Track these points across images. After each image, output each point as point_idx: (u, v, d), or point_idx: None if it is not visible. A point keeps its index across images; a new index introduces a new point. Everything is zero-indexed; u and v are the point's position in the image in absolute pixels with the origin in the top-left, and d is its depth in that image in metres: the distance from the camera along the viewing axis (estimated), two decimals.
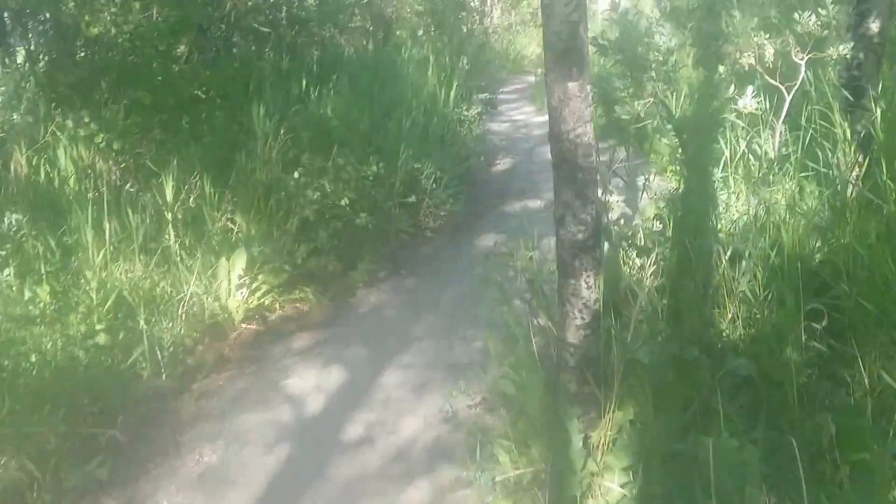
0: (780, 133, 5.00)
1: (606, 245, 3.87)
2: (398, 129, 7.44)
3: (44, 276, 4.51)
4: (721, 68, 5.51)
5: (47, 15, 7.62)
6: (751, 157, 5.11)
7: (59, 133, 6.05)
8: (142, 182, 6.02)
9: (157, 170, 5.83)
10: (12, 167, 5.74)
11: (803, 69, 4.86)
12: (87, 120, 6.07)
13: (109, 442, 3.78)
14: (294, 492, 3.50)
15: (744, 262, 3.94)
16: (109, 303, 4.50)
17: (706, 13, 7.33)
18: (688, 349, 3.37)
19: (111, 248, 4.92)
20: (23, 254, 4.70)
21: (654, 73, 4.38)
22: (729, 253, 3.97)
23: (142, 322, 4.43)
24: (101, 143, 6.03)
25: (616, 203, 4.16)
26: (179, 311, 4.74)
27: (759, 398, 3.31)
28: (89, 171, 5.95)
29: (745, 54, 4.93)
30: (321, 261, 5.67)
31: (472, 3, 18.64)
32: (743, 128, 5.14)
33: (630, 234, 4.06)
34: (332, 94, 7.89)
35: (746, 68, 5.08)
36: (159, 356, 4.39)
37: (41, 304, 4.27)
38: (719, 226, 4.46)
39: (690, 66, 7.12)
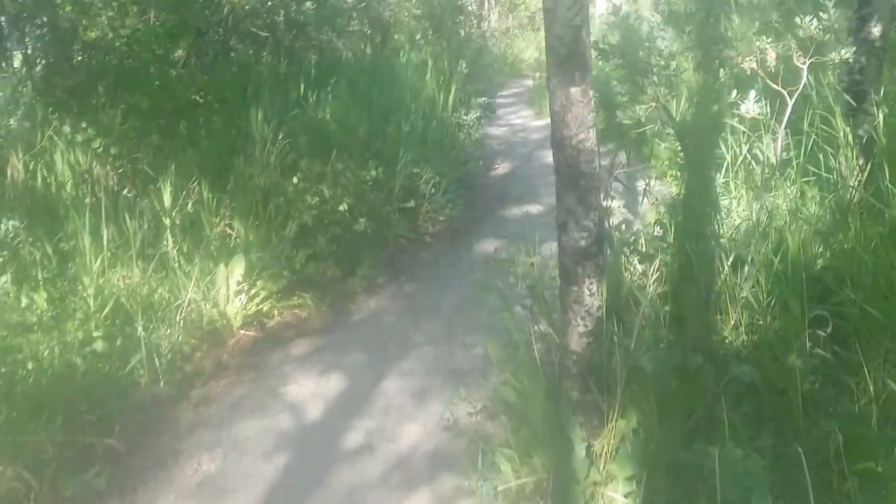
0: (782, 138, 4.97)
1: (608, 251, 3.84)
2: (397, 134, 7.42)
3: (41, 283, 4.47)
4: (722, 73, 5.49)
5: (44, 19, 7.58)
6: (752, 161, 5.08)
7: (56, 138, 6.02)
8: (139, 187, 5.98)
9: (155, 175, 5.80)
10: (9, 173, 5.70)
11: (805, 73, 4.84)
12: (84, 125, 6.04)
13: (107, 450, 3.74)
14: (294, 501, 3.47)
15: (746, 268, 3.92)
16: (107, 309, 4.46)
17: (704, 17, 7.33)
18: (691, 357, 3.34)
19: (109, 254, 4.88)
20: (19, 260, 4.66)
21: (655, 78, 4.36)
22: (731, 259, 3.94)
23: (140, 329, 4.40)
24: (99, 148, 5.99)
25: (617, 208, 4.13)
26: (177, 318, 4.70)
27: (763, 406, 3.28)
28: (86, 177, 5.91)
29: (747, 59, 4.90)
30: (320, 266, 5.64)
31: (469, 7, 18.66)
32: (744, 132, 5.11)
33: (632, 239, 4.03)
34: (330, 99, 7.87)
35: (748, 72, 5.06)
36: (157, 363, 4.35)
37: (38, 311, 4.24)
38: (721, 231, 4.43)
39: (691, 71, 7.10)
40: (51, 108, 6.58)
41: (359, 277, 5.73)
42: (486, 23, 19.90)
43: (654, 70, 4.46)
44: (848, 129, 4.52)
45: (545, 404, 3.29)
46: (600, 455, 3.02)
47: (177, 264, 5.07)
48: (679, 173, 5.89)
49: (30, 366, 3.88)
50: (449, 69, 10.20)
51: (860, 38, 4.64)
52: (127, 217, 5.19)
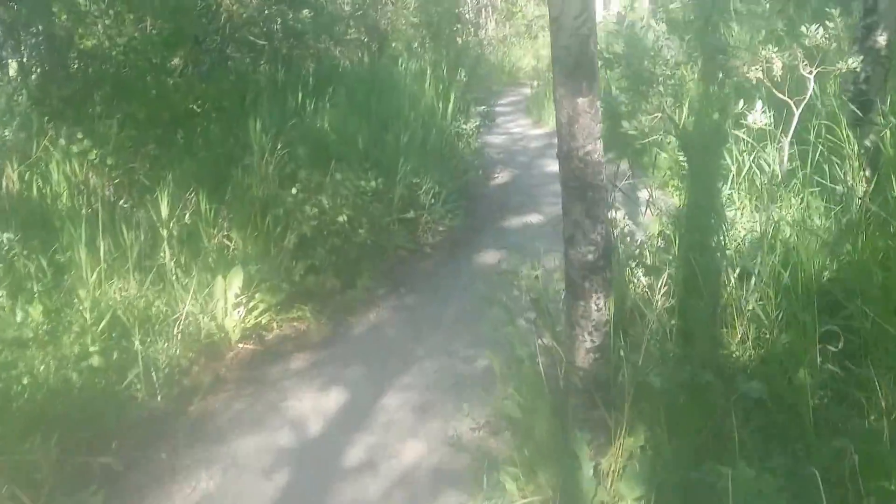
0: (787, 148, 4.93)
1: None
2: (396, 143, 7.37)
3: (36, 296, 4.40)
4: (728, 82, 5.44)
5: (40, 27, 7.53)
6: (757, 172, 5.03)
7: (51, 148, 5.95)
8: (136, 198, 5.92)
9: (152, 185, 5.74)
10: (4, 183, 5.63)
11: (812, 83, 4.79)
12: (80, 135, 5.97)
13: (104, 468, 3.67)
14: None
15: (752, 281, 3.86)
16: (103, 323, 4.39)
17: (703, 25, 7.29)
18: (700, 372, 3.28)
19: (105, 266, 4.81)
20: (14, 273, 4.59)
21: (661, 88, 4.31)
22: (738, 271, 3.89)
23: (136, 342, 4.33)
24: (95, 159, 5.92)
25: (622, 220, 4.08)
26: (175, 331, 4.64)
27: (772, 422, 3.23)
28: (82, 187, 5.84)
29: (753, 68, 4.85)
30: (319, 278, 5.58)
31: (466, 16, 18.64)
32: (749, 143, 5.07)
33: (637, 252, 3.97)
34: (328, 108, 7.82)
35: (754, 82, 5.01)
36: (154, 377, 4.29)
37: (33, 325, 4.16)
38: (726, 243, 4.38)
39: (696, 80, 7.06)
40: (46, 118, 6.51)
41: (358, 289, 5.68)
42: (484, 31, 19.88)
43: (660, 79, 4.41)
44: (853, 140, 4.47)
45: (551, 420, 3.23)
46: (607, 474, 2.96)
47: (174, 276, 5.00)
48: (682, 184, 5.84)
49: (25, 381, 3.81)
50: (448, 78, 10.16)
51: (866, 48, 4.59)
52: (123, 228, 5.13)
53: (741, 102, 4.88)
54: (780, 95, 4.93)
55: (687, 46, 7.13)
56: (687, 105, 6.98)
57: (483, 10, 20.33)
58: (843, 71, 4.59)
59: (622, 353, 3.20)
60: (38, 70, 7.80)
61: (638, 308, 3.81)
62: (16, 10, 7.27)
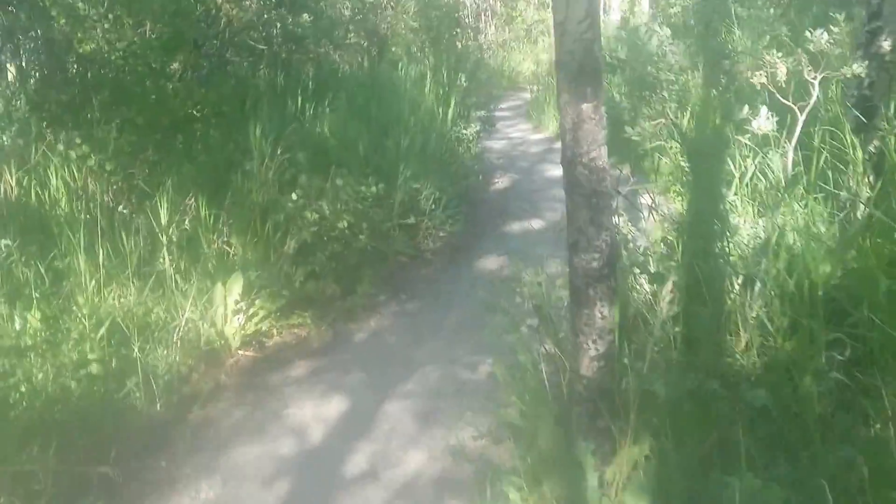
0: (791, 154, 4.89)
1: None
2: (396, 149, 7.34)
3: (34, 302, 4.37)
4: (730, 87, 5.41)
5: (38, 32, 7.50)
6: (761, 178, 5.00)
7: (50, 153, 5.92)
8: (135, 204, 5.88)
9: (151, 191, 5.71)
10: (2, 189, 5.60)
11: (816, 88, 4.76)
12: (78, 141, 5.93)
13: (102, 477, 3.63)
14: None
15: (756, 288, 3.83)
16: (102, 330, 4.34)
17: (704, 30, 7.27)
18: (705, 381, 3.25)
19: (104, 272, 4.79)
20: (12, 280, 4.55)
21: (665, 93, 4.28)
22: (742, 278, 3.85)
23: (136, 350, 4.31)
24: (94, 164, 5.89)
25: (625, 226, 4.04)
26: (174, 338, 4.61)
27: (778, 430, 3.19)
28: (81, 193, 5.80)
29: (757, 73, 4.82)
30: (319, 284, 5.56)
31: (466, 20, 18.63)
32: (753, 148, 5.03)
33: (641, 258, 3.93)
34: (328, 113, 7.79)
35: (758, 87, 4.98)
36: (154, 385, 4.25)
37: (31, 332, 4.13)
38: (730, 249, 4.34)
39: (700, 85, 7.03)
40: (45, 123, 6.48)
41: (359, 295, 5.65)
42: (483, 35, 19.89)
43: (664, 85, 4.37)
44: (857, 145, 4.44)
45: (554, 429, 3.19)
46: (612, 483, 2.92)
47: (173, 283, 4.97)
48: (684, 189, 5.81)
49: (23, 389, 3.78)
50: (448, 82, 10.13)
51: (870, 53, 4.56)
52: (122, 234, 5.10)
53: (745, 108, 4.85)
54: (784, 101, 4.90)
55: (689, 51, 7.12)
56: (689, 110, 6.96)
57: (483, 14, 20.35)
58: (849, 76, 4.56)
59: (626, 361, 3.17)
60: (37, 74, 7.76)
61: (641, 315, 3.78)
62: (14, 15, 7.24)
